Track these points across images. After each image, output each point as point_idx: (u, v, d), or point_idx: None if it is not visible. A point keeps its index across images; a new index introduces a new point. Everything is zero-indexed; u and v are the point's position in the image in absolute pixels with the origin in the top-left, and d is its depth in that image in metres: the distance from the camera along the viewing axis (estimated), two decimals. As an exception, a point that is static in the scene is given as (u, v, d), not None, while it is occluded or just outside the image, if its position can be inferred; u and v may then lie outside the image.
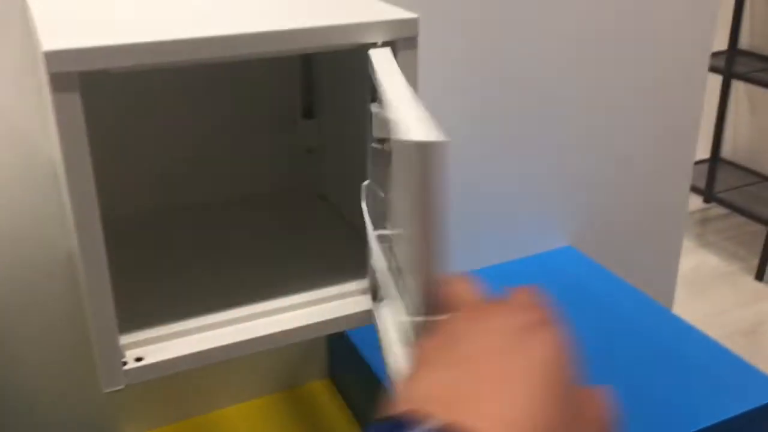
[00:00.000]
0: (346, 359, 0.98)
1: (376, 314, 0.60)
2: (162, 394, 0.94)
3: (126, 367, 0.57)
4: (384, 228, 0.60)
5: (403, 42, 0.57)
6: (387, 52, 0.56)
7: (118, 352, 0.56)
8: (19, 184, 0.77)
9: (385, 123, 0.54)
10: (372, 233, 0.59)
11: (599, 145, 1.10)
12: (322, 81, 0.81)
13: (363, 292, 0.65)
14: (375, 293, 0.63)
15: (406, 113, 0.48)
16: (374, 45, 0.56)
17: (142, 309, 0.60)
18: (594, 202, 1.13)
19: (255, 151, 0.85)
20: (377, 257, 0.58)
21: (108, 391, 0.56)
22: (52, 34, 0.51)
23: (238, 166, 0.84)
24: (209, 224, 0.80)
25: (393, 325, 0.53)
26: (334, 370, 1.04)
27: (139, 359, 0.57)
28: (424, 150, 0.44)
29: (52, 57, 0.47)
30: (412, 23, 0.57)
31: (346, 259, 0.68)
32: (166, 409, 0.95)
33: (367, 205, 0.61)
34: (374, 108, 0.57)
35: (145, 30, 0.54)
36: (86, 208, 0.51)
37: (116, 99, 0.74)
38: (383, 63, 0.55)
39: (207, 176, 0.83)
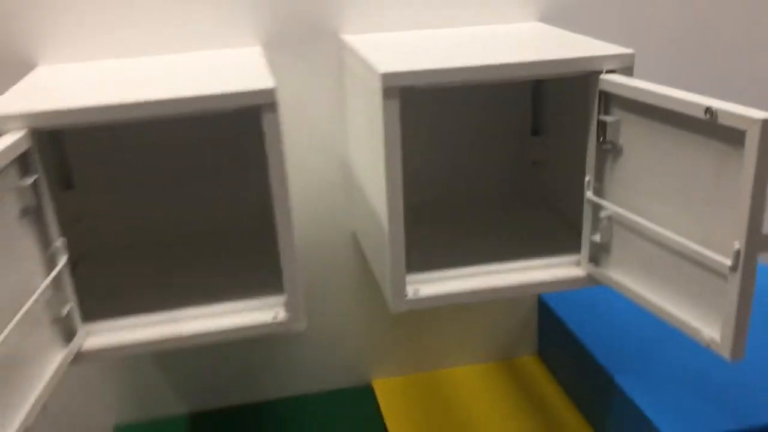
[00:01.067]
0: (554, 335, 1.15)
1: (600, 276, 0.81)
2: (401, 352, 1.19)
3: (407, 297, 0.80)
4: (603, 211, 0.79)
5: (621, 71, 0.76)
6: (621, 77, 0.76)
7: (403, 286, 0.80)
8: (321, 181, 1.04)
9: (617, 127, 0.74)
10: (606, 213, 0.79)
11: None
12: (548, 104, 1.02)
13: (575, 263, 0.85)
14: (596, 260, 0.82)
15: (720, 104, 0.63)
16: (599, 73, 0.77)
17: (418, 259, 0.83)
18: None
19: (492, 160, 1.07)
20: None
21: (395, 311, 0.80)
22: (380, 62, 0.76)
23: (479, 172, 1.08)
24: (457, 215, 1.03)
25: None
26: (542, 347, 1.21)
27: (416, 292, 0.81)
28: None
29: (385, 77, 0.72)
30: (630, 57, 0.76)
31: (561, 243, 0.88)
32: (404, 362, 1.20)
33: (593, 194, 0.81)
34: (607, 118, 0.76)
35: (441, 58, 0.79)
36: (396, 183, 0.76)
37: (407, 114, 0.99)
38: (633, 82, 0.74)
39: (454, 178, 1.07)
